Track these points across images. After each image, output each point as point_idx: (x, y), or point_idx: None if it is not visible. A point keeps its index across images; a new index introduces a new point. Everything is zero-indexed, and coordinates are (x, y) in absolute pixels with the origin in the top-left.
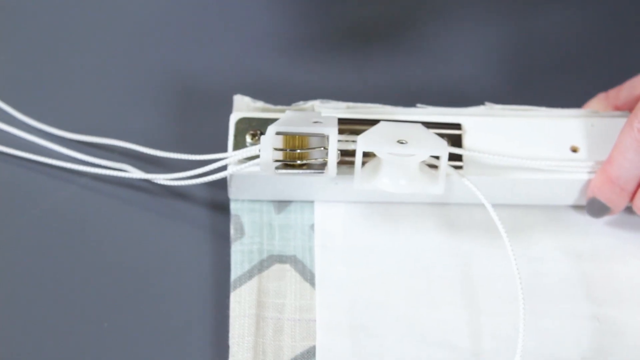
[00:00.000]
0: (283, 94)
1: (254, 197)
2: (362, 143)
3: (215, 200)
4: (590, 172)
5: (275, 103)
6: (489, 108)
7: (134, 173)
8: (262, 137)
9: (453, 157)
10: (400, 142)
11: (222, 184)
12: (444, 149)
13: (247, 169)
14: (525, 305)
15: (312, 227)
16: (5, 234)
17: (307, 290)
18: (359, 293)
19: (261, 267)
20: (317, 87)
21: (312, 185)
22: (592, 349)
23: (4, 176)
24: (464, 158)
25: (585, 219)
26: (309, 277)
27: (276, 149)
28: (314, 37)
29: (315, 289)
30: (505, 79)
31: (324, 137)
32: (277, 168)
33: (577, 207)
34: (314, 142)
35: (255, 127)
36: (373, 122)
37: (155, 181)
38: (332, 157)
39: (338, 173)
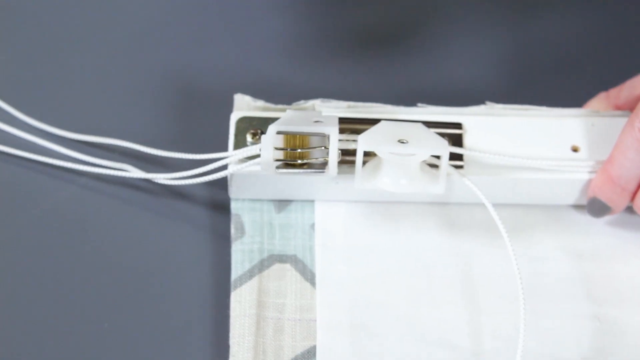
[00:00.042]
0: (283, 93)
1: (254, 197)
2: (362, 142)
3: (216, 200)
4: (590, 172)
5: (275, 102)
6: (489, 107)
7: (134, 173)
8: (263, 136)
9: (454, 156)
10: (401, 141)
11: (223, 183)
12: (445, 148)
13: (248, 168)
14: (525, 305)
15: (312, 226)
16: (6, 233)
17: (308, 289)
18: (360, 292)
19: (261, 266)
20: (318, 87)
21: (312, 184)
22: (592, 348)
23: (4, 176)
24: (464, 157)
25: (585, 218)
26: (309, 276)
27: (277, 149)
28: (315, 37)
29: (315, 288)
30: (506, 79)
31: (324, 137)
32: (277, 167)
33: (577, 207)
34: (314, 141)
35: (255, 127)
36: (374, 122)
37: (156, 181)
38: (333, 157)
39: (339, 172)
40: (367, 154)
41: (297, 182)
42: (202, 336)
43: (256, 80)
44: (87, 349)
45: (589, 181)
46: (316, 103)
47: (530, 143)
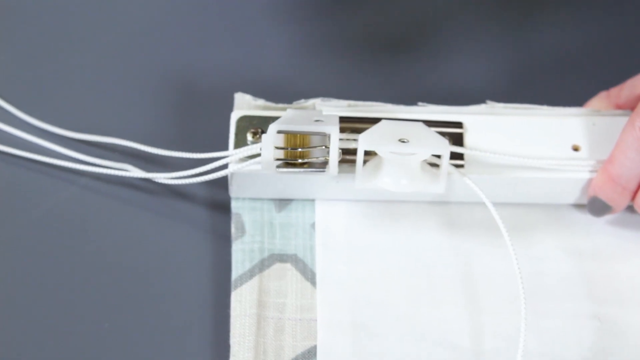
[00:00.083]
0: (284, 92)
1: (254, 196)
2: (363, 142)
3: (216, 199)
4: (591, 171)
5: (276, 101)
6: (490, 106)
7: (134, 172)
8: (264, 135)
9: (454, 155)
10: (401, 140)
11: (223, 183)
12: (446, 148)
13: (248, 168)
14: (526, 304)
15: (313, 225)
16: (6, 234)
17: (308, 289)
18: (360, 292)
19: (262, 266)
20: (318, 85)
21: (313, 183)
22: (593, 348)
23: (4, 176)
24: (465, 157)
25: (586, 217)
26: (309, 276)
27: (277, 148)
28: (315, 36)
29: (316, 288)
30: (506, 78)
31: (325, 136)
32: (278, 167)
33: (578, 206)
34: (315, 140)
35: (256, 126)
36: (374, 121)
37: (156, 180)
38: (334, 156)
39: (339, 171)
40: (368, 153)
41: (298, 181)
42: (203, 336)
43: (256, 79)
44: (88, 349)
45: (590, 180)
46: (316, 102)
47: (531, 142)
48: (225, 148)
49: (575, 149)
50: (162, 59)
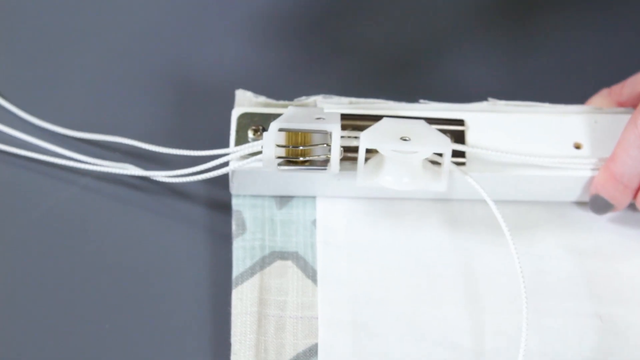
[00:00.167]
0: (285, 89)
1: (255, 193)
2: (365, 140)
3: (216, 197)
4: (593, 169)
5: (277, 98)
6: (492, 104)
7: (134, 171)
8: (265, 133)
9: (456, 153)
10: (403, 139)
11: (223, 180)
12: (448, 146)
13: (249, 165)
14: (528, 303)
15: (314, 222)
16: (6, 234)
17: (309, 287)
18: (361, 290)
19: (263, 263)
20: (320, 83)
21: (314, 181)
22: (594, 348)
23: (4, 176)
24: (466, 154)
25: (588, 215)
26: (310, 273)
27: (279, 146)
28: (317, 33)
29: (317, 285)
30: (508, 75)
31: (326, 134)
32: (279, 165)
33: (580, 204)
34: (316, 138)
35: (257, 123)
36: (376, 118)
37: (156, 179)
38: (335, 154)
39: (340, 169)
40: (369, 151)
41: (299, 178)
42: (203, 335)
43: (257, 76)
44: (89, 349)
45: (592, 178)
46: (318, 99)
47: (533, 140)
48: (225, 145)
49: (577, 146)
50: (162, 56)
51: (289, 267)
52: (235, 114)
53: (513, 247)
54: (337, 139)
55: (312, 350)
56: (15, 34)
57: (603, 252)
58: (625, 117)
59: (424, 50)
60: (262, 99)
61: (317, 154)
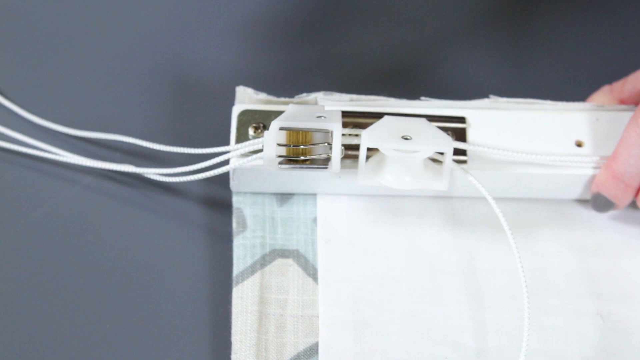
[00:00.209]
0: (286, 86)
1: (256, 190)
2: (366, 139)
3: (216, 195)
4: (595, 168)
5: (278, 95)
6: (493, 101)
7: (134, 170)
8: (266, 132)
9: (457, 151)
10: (404, 137)
11: (223, 178)
12: (449, 145)
13: (250, 163)
14: (529, 301)
15: (314, 220)
16: (6, 235)
17: (310, 285)
18: (362, 288)
19: (264, 261)
20: (321, 79)
21: (315, 178)
22: (595, 346)
23: (4, 176)
24: (468, 152)
25: (589, 213)
26: (311, 272)
27: (279, 145)
28: (318, 30)
29: (317, 284)
30: (509, 72)
31: (327, 133)
32: (280, 163)
33: (581, 201)
34: (317, 137)
35: (258, 120)
36: (377, 115)
37: (157, 178)
38: (336, 153)
39: (341, 167)
40: (370, 149)
41: (300, 176)
42: (204, 334)
43: (257, 73)
44: (90, 349)
45: (593, 177)
46: (319, 96)
47: (534, 137)
48: (226, 143)
49: (579, 144)
50: (161, 54)
51: (290, 265)
52: (235, 111)
53: (514, 245)
54: (338, 138)
55: (313, 349)
56: (15, 33)
57: (604, 249)
58: (627, 115)
59: (425, 48)
60: (263, 95)
61: (318, 152)
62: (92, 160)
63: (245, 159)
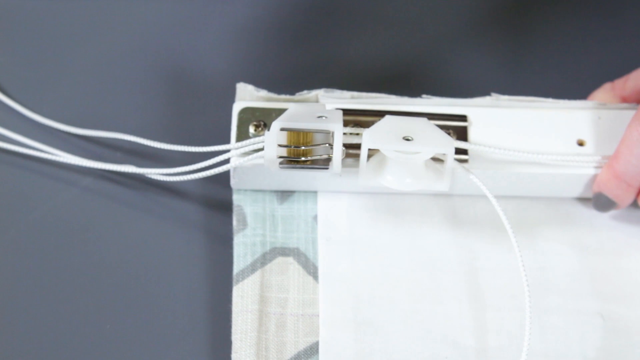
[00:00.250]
0: (286, 83)
1: (256, 187)
2: (367, 140)
3: (216, 194)
4: (596, 167)
5: (278, 92)
6: (495, 99)
7: (133, 169)
8: (267, 133)
9: (459, 150)
10: (406, 138)
11: (223, 175)
12: (451, 147)
13: (251, 161)
14: (530, 300)
15: (315, 218)
16: (5, 236)
17: (310, 284)
18: (362, 287)
19: (264, 260)
20: (321, 76)
21: (316, 176)
22: (596, 346)
23: (2, 177)
24: (469, 151)
25: (590, 212)
26: (312, 270)
27: (280, 146)
28: (319, 26)
29: (318, 283)
30: (511, 69)
31: (328, 133)
32: (281, 164)
33: (582, 200)
34: (318, 137)
35: (258, 118)
36: (378, 113)
37: (157, 177)
38: (337, 154)
39: (342, 166)
40: (371, 148)
41: (301, 174)
42: (205, 333)
43: (258, 69)
44: (91, 349)
45: (595, 176)
46: (320, 93)
47: (536, 136)
48: (226, 140)
49: (580, 143)
50: (162, 52)
51: (290, 264)
52: (236, 108)
53: (515, 244)
54: (340, 140)
55: (313, 349)
56: (16, 32)
57: (605, 249)
58: (629, 114)
59: (427, 46)
60: (264, 93)
61: (319, 153)
62: (92, 161)
63: (246, 158)
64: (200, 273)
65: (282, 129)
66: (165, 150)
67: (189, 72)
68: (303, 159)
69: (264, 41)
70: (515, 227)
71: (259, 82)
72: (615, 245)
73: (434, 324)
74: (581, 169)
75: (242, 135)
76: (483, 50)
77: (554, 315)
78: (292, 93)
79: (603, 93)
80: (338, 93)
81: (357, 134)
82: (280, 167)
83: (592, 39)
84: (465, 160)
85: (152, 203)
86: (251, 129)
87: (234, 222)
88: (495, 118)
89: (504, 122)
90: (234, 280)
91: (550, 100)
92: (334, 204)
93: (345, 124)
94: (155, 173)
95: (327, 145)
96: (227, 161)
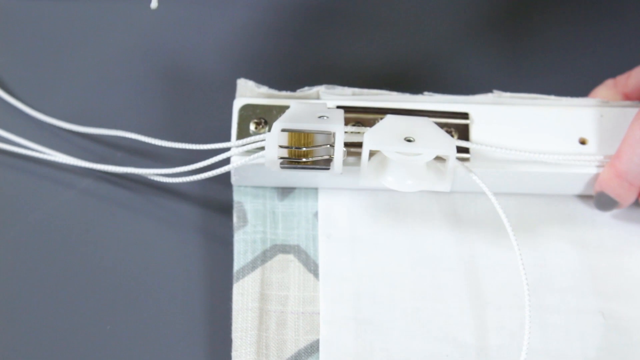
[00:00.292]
0: (287, 79)
1: (257, 184)
2: (368, 141)
3: (216, 193)
4: (598, 166)
5: (279, 88)
6: (497, 96)
7: (134, 170)
8: (268, 134)
9: (460, 148)
10: (407, 139)
11: (223, 174)
12: (452, 148)
13: (251, 161)
14: (530, 298)
15: (315, 215)
16: (4, 238)
17: (311, 281)
18: (363, 285)
19: (264, 257)
20: (322, 72)
21: (316, 175)
22: (597, 345)
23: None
24: (471, 150)
25: (591, 210)
26: (312, 268)
27: (281, 147)
28: (319, 23)
29: (319, 280)
30: (513, 66)
31: (330, 134)
32: (282, 164)
33: (583, 198)
34: (319, 137)
35: (259, 115)
36: (379, 111)
37: (158, 178)
38: (338, 155)
39: (344, 164)
40: None
41: (301, 173)
42: (205, 331)
43: (258, 65)
44: (92, 350)
45: (597, 175)
46: (321, 89)
47: (538, 134)
48: (226, 137)
49: (582, 142)
50: (161, 50)
51: (291, 261)
52: (237, 105)
53: (515, 242)
54: (341, 141)
55: (314, 347)
56: (17, 31)
57: (606, 246)
58: (632, 112)
59: (429, 43)
60: (264, 89)
61: (320, 153)
62: (91, 163)
63: (247, 158)
64: (200, 273)
65: (284, 130)
66: (165, 148)
67: (190, 70)
68: (304, 159)
69: (264, 41)
70: (516, 225)
71: (259, 82)
72: (616, 244)
73: (435, 321)
74: (583, 168)
75: (243, 133)
76: (485, 48)
77: (554, 313)
78: (294, 90)
79: (605, 89)
80: (339, 90)
81: (359, 133)
82: (281, 168)
83: (595, 36)
84: (466, 159)
85: (152, 203)
86: (252, 127)
87: (235, 219)
88: (497, 115)
89: (506, 120)
90: (234, 278)
91: (552, 97)
92: (334, 201)
93: (347, 121)
94: (155, 174)
95: (328, 146)
96: (227, 161)
